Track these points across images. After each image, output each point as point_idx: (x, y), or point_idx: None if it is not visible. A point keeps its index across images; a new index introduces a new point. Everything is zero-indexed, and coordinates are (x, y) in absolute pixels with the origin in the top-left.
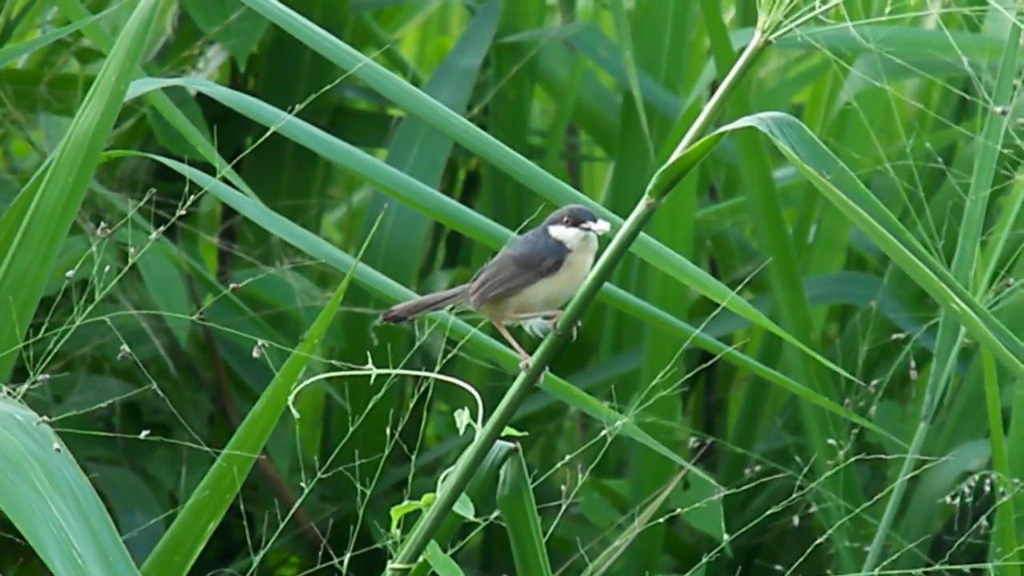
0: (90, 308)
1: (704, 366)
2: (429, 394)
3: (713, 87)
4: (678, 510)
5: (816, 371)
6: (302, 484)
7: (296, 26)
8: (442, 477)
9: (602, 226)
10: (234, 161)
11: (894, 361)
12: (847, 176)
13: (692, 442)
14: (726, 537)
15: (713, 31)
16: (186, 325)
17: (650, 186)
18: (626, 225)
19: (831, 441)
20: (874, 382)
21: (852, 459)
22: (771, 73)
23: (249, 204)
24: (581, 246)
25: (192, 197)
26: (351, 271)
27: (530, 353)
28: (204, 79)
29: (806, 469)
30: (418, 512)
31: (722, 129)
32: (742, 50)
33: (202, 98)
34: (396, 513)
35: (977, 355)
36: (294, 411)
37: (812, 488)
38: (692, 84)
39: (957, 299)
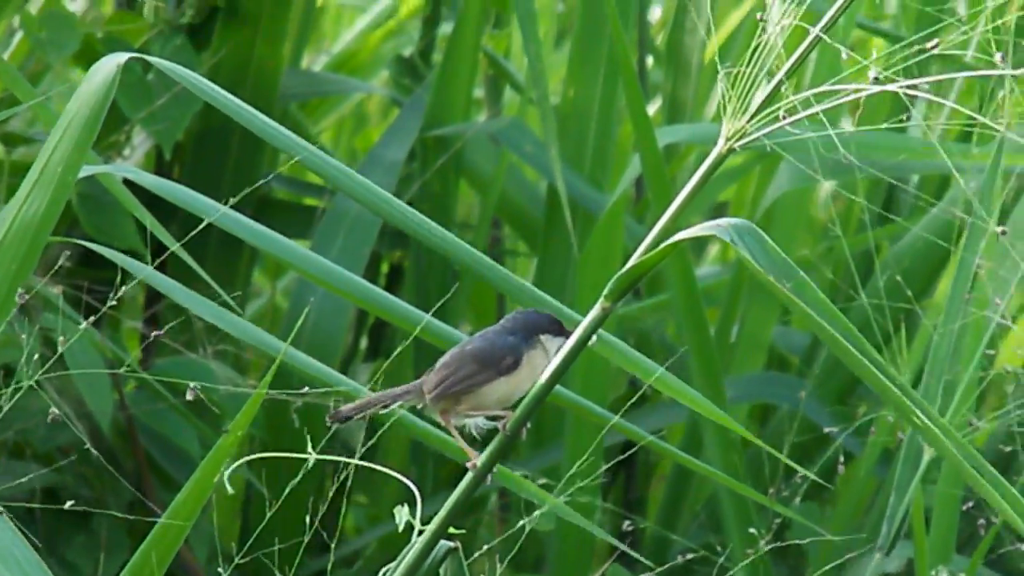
0: (17, 396)
1: (626, 454)
2: (348, 483)
3: (638, 184)
4: None
5: (736, 470)
6: (220, 572)
7: (231, 106)
8: (381, 573)
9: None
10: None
11: (814, 462)
12: (807, 285)
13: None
14: None
15: (638, 127)
16: (108, 411)
17: (606, 291)
18: (580, 329)
19: (752, 530)
20: (801, 472)
21: (769, 545)
22: (689, 168)
23: (179, 289)
24: (543, 349)
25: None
26: (280, 356)
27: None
28: (130, 166)
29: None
30: None
31: (680, 236)
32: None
33: (126, 185)
34: None
35: (896, 456)
36: (229, 487)
37: None
38: (617, 180)
39: (920, 415)
